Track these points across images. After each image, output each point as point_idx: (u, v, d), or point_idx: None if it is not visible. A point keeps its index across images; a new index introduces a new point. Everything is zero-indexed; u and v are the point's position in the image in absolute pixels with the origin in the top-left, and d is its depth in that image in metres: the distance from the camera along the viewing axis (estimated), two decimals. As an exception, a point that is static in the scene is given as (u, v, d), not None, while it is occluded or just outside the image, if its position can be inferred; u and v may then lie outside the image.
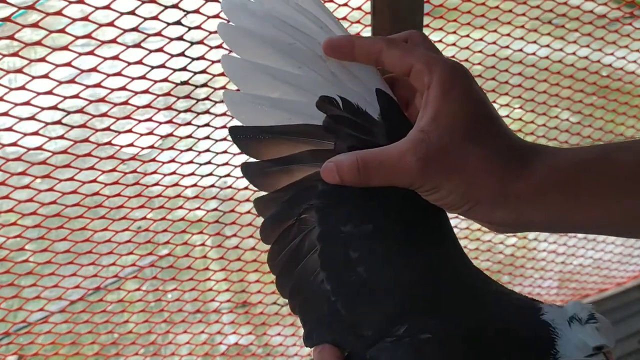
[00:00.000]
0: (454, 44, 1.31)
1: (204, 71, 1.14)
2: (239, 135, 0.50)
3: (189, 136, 1.16)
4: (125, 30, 0.98)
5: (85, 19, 0.92)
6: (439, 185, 0.43)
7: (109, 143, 1.09)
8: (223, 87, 1.14)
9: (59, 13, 0.90)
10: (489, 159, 0.43)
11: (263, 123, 0.47)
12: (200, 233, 1.33)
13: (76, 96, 1.00)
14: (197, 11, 1.01)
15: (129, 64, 1.01)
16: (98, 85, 1.00)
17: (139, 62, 1.01)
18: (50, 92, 0.97)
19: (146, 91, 1.06)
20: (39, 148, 1.01)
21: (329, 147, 0.45)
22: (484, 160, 0.43)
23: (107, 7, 0.94)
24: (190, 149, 1.17)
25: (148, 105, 1.10)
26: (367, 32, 0.99)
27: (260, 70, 0.46)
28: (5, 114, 0.96)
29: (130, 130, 1.11)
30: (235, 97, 0.48)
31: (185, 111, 1.15)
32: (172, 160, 1.16)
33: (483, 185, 0.42)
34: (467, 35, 1.30)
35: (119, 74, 1.02)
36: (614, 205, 0.42)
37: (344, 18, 1.19)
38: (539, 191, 0.42)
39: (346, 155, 0.44)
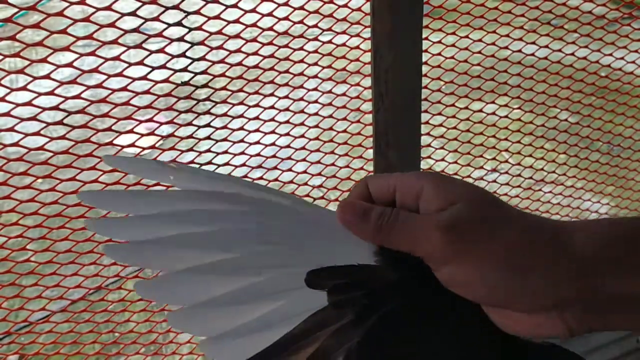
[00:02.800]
0: (453, 45, 1.31)
1: (204, 72, 1.14)
2: None
3: (190, 136, 1.16)
4: (126, 31, 0.99)
5: (86, 19, 0.93)
6: (467, 255, 0.37)
7: (110, 143, 1.10)
8: (224, 88, 1.15)
9: (60, 14, 0.91)
10: (526, 227, 0.38)
11: (254, 349, 0.38)
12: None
13: (77, 97, 1.00)
14: (197, 12, 1.01)
15: (130, 64, 1.02)
16: (99, 85, 1.01)
17: (140, 62, 1.02)
18: (51, 93, 0.97)
19: (147, 92, 1.07)
20: (41, 148, 1.02)
21: (346, 321, 0.38)
22: (521, 228, 0.38)
23: (108, 8, 0.94)
24: (191, 149, 1.17)
25: (149, 106, 1.10)
26: (367, 33, 1.00)
27: (218, 311, 0.38)
28: (7, 114, 0.96)
29: (131, 131, 1.11)
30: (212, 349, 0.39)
31: (186, 112, 1.16)
32: (173, 161, 1.16)
33: (529, 251, 0.37)
34: (467, 36, 1.31)
35: (120, 74, 1.02)
36: None
37: (344, 19, 1.20)
38: (598, 253, 0.38)
39: (378, 206, 0.40)
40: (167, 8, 1.03)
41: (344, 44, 1.23)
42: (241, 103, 1.19)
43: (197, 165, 1.18)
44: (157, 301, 0.40)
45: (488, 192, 0.41)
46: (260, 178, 1.28)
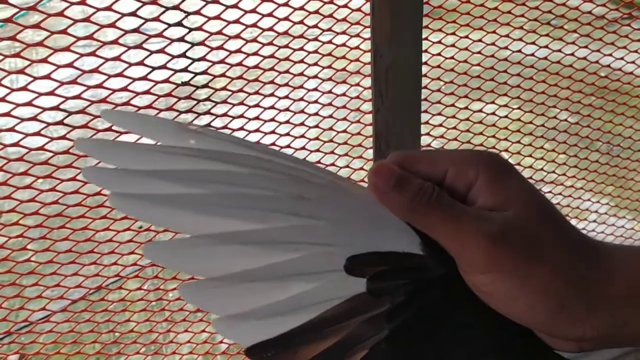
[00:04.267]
0: (453, 45, 1.31)
1: (205, 72, 1.15)
2: (265, 353, 0.35)
3: (190, 136, 1.16)
4: (126, 31, 0.99)
5: (86, 20, 0.93)
6: (513, 272, 0.34)
7: (111, 143, 1.10)
8: (224, 88, 1.15)
9: (60, 14, 0.91)
10: (573, 248, 0.36)
11: (277, 332, 0.35)
12: (201, 233, 1.33)
13: (78, 97, 1.01)
14: (198, 12, 1.01)
15: (131, 64, 1.02)
16: (99, 85, 1.01)
17: (141, 63, 1.02)
18: (52, 93, 0.98)
19: (147, 92, 1.07)
20: (41, 148, 1.02)
21: (382, 310, 0.36)
22: (568, 249, 0.35)
23: (109, 8, 0.95)
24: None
25: (149, 106, 1.11)
26: (367, 33, 1.00)
27: (242, 289, 0.34)
28: (7, 114, 0.96)
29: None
30: (229, 328, 0.35)
31: (187, 112, 1.16)
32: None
33: (571, 282, 0.35)
34: (466, 36, 1.31)
35: (120, 74, 1.02)
36: None
37: (344, 19, 1.20)
38: (632, 288, 0.35)
39: (418, 178, 0.36)
40: (167, 8, 1.03)
41: (344, 44, 1.23)
42: (241, 103, 1.20)
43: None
44: (175, 268, 0.34)
45: (544, 197, 0.37)
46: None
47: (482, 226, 0.34)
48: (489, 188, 0.35)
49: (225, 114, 1.24)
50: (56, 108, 0.99)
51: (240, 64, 1.13)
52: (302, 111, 1.27)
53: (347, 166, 1.36)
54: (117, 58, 1.01)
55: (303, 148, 1.28)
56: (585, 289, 0.35)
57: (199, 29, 1.05)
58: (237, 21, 1.07)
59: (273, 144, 1.24)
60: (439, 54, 1.29)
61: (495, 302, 0.35)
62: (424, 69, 1.08)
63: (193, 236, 0.33)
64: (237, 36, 1.10)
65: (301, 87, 1.24)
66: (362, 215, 0.35)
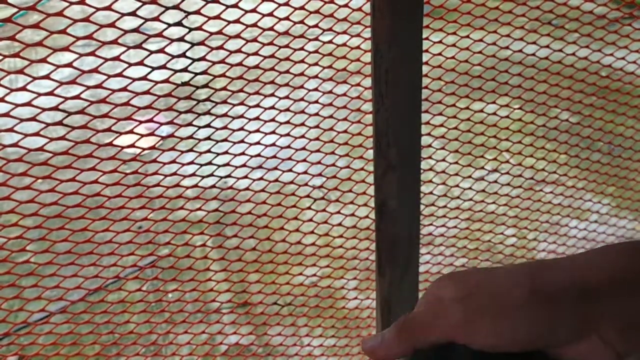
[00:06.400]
0: (454, 45, 1.31)
1: (204, 72, 1.14)
2: None
3: (190, 137, 1.16)
4: (126, 31, 0.98)
5: (86, 19, 0.93)
6: (487, 315, 0.39)
7: (110, 144, 1.10)
8: (224, 88, 1.14)
9: (59, 14, 0.90)
10: (528, 275, 0.41)
11: None
12: (201, 233, 1.33)
13: (77, 97, 1.00)
14: (197, 12, 1.01)
15: (130, 64, 1.01)
16: (99, 86, 1.00)
17: (140, 63, 1.02)
18: (51, 93, 0.97)
19: (147, 92, 1.07)
20: (40, 149, 1.01)
21: None
22: (518, 273, 0.41)
23: (108, 8, 0.94)
24: (191, 150, 1.17)
25: (149, 106, 1.10)
26: (367, 33, 1.00)
27: None
28: (7, 114, 0.96)
29: (131, 131, 1.11)
30: None
31: (186, 112, 1.16)
32: (173, 161, 1.16)
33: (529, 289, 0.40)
34: (467, 36, 1.30)
35: (120, 74, 1.02)
36: None
37: (345, 19, 1.19)
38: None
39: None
40: (167, 8, 1.03)
41: (344, 44, 1.23)
42: (241, 103, 1.19)
43: (198, 166, 1.18)
44: None
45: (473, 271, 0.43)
46: (261, 179, 1.28)
47: (444, 296, 0.41)
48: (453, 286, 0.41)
49: (225, 114, 1.23)
50: (55, 108, 0.99)
51: (240, 64, 1.13)
52: (302, 111, 1.26)
53: (348, 166, 1.36)
54: (116, 58, 1.01)
55: (303, 148, 1.27)
56: (544, 290, 0.40)
57: (199, 28, 1.04)
58: (237, 21, 1.07)
59: (273, 144, 1.23)
60: (439, 54, 1.28)
61: (504, 344, 0.40)
62: (425, 68, 1.07)
63: None
64: (237, 36, 1.10)
65: (301, 87, 1.24)
66: None
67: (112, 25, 0.97)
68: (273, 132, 1.23)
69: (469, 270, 0.42)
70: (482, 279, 0.41)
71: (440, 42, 1.28)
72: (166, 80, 1.08)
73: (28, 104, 0.94)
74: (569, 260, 0.42)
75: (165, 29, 1.01)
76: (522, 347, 0.40)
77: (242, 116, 1.20)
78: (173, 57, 1.04)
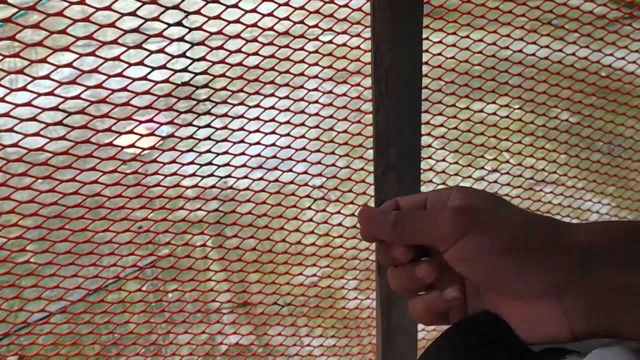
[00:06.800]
0: (454, 45, 1.31)
1: (204, 72, 1.14)
2: None
3: (190, 137, 1.16)
4: (126, 31, 0.98)
5: (86, 19, 0.93)
6: (473, 237, 0.40)
7: (110, 144, 1.10)
8: (224, 88, 1.14)
9: (59, 14, 0.90)
10: (533, 216, 0.42)
11: None
12: (201, 233, 1.33)
13: (77, 97, 1.00)
14: (197, 12, 1.01)
15: (130, 64, 1.01)
16: (99, 86, 1.00)
17: (140, 63, 1.02)
18: (51, 93, 0.97)
19: (147, 92, 1.06)
20: (40, 149, 1.01)
21: None
22: (528, 216, 0.42)
23: (108, 8, 0.94)
24: (191, 150, 1.17)
25: (149, 106, 1.10)
26: (367, 33, 1.00)
27: None
28: (7, 114, 0.96)
29: (131, 131, 1.11)
30: None
31: (186, 112, 1.16)
32: (173, 161, 1.16)
33: (532, 234, 0.41)
34: (467, 36, 1.30)
35: (120, 74, 1.02)
36: None
37: (345, 19, 1.19)
38: (596, 237, 0.40)
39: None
40: (167, 8, 1.03)
41: (344, 44, 1.23)
42: (241, 103, 1.19)
43: (198, 166, 1.18)
44: None
45: (502, 198, 0.44)
46: (261, 179, 1.28)
47: (446, 205, 0.42)
48: (460, 196, 0.43)
49: (225, 114, 1.23)
50: (55, 108, 0.99)
51: (240, 64, 1.13)
52: (302, 111, 1.26)
53: (348, 167, 1.36)
54: (116, 58, 1.01)
55: (303, 148, 1.27)
56: (546, 239, 0.40)
57: (199, 28, 1.04)
58: (237, 21, 1.07)
59: (273, 144, 1.23)
60: (439, 54, 1.28)
61: (467, 268, 0.40)
62: (425, 68, 1.07)
63: None
64: (237, 36, 1.10)
65: (301, 87, 1.24)
66: None
67: (112, 25, 0.97)
68: (273, 132, 1.23)
69: (482, 192, 0.44)
70: (491, 202, 0.42)
71: (440, 42, 1.28)
72: (166, 80, 1.08)
73: (28, 104, 0.94)
74: (580, 225, 0.42)
75: (165, 29, 1.01)
76: (486, 278, 0.40)
77: (242, 116, 1.20)
78: (173, 57, 1.04)
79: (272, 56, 1.15)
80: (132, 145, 1.10)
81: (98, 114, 1.07)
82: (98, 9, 0.93)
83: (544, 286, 0.39)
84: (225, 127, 1.18)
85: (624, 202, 1.80)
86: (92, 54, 0.97)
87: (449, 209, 0.41)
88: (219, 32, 1.08)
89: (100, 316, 1.31)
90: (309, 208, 1.42)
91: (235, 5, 1.06)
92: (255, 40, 1.12)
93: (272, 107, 1.21)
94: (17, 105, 0.95)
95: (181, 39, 1.04)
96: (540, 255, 0.39)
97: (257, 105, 1.20)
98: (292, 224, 1.41)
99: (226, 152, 1.20)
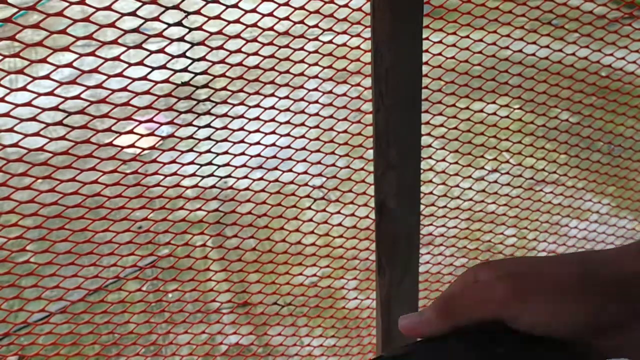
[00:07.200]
0: (454, 45, 1.31)
1: (204, 72, 1.14)
2: None
3: (190, 137, 1.16)
4: (126, 31, 0.98)
5: (86, 19, 0.93)
6: (534, 299, 0.39)
7: (110, 144, 1.10)
8: (224, 88, 1.14)
9: (59, 14, 0.90)
10: (577, 260, 0.40)
11: None
12: (201, 233, 1.33)
13: (77, 97, 1.00)
14: (197, 12, 1.01)
15: (130, 64, 1.01)
16: (99, 86, 1.00)
17: (140, 63, 1.02)
18: (51, 93, 0.97)
19: (147, 92, 1.06)
20: (40, 149, 1.01)
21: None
22: (570, 262, 0.40)
23: (108, 8, 0.94)
24: (191, 150, 1.17)
25: (149, 106, 1.10)
26: (367, 33, 1.00)
27: None
28: (7, 114, 0.96)
29: (131, 131, 1.11)
30: None
31: (186, 112, 1.16)
32: (173, 161, 1.16)
33: (585, 276, 0.39)
34: (467, 36, 1.30)
35: (120, 74, 1.02)
36: None
37: (345, 19, 1.19)
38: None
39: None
40: (167, 8, 1.03)
41: (344, 44, 1.23)
42: (241, 103, 1.19)
43: (198, 166, 1.18)
44: None
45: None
46: (261, 179, 1.28)
47: (491, 277, 0.40)
48: (487, 270, 0.41)
49: (225, 114, 1.23)
50: (55, 108, 0.99)
51: (240, 64, 1.13)
52: (302, 111, 1.26)
53: (348, 166, 1.36)
54: (116, 58, 1.01)
55: (303, 148, 1.27)
56: (598, 278, 0.39)
57: (199, 28, 1.04)
58: (237, 21, 1.07)
59: (273, 144, 1.23)
60: (439, 54, 1.28)
61: (548, 329, 0.39)
62: (425, 69, 1.07)
63: None
64: (237, 36, 1.10)
65: (301, 87, 1.24)
66: None
67: (112, 25, 0.97)
68: (273, 132, 1.23)
69: (505, 259, 0.42)
70: (523, 263, 0.41)
71: (440, 42, 1.28)
72: (166, 80, 1.08)
73: (28, 104, 0.94)
74: (618, 250, 0.41)
75: (165, 29, 1.01)
76: (569, 331, 0.39)
77: (242, 116, 1.20)
78: (173, 57, 1.04)
79: (272, 56, 1.15)
80: (132, 145, 1.10)
81: (98, 114, 1.07)
82: (98, 9, 0.93)
83: (617, 321, 0.39)
84: (225, 127, 1.18)
85: (624, 202, 1.80)
86: (92, 54, 0.97)
87: (494, 280, 0.39)
88: (219, 32, 1.08)
89: (100, 316, 1.31)
90: (309, 208, 1.42)
91: (235, 5, 1.06)
92: (255, 40, 1.12)
93: (272, 107, 1.21)
94: (17, 105, 0.95)
95: (181, 39, 1.04)
96: (589, 297, 0.39)
97: (257, 105, 1.20)
98: (292, 224, 1.41)
99: (226, 152, 1.20)
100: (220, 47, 1.10)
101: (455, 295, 0.41)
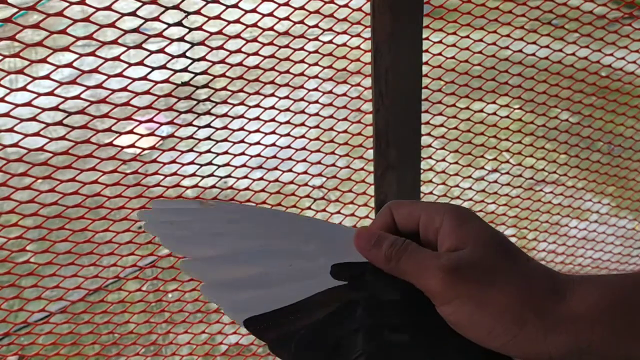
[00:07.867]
0: (454, 45, 1.31)
1: (204, 72, 1.14)
2: (259, 326, 0.44)
3: (190, 137, 1.16)
4: (126, 31, 0.98)
5: (86, 19, 0.93)
6: (469, 298, 0.39)
7: (110, 144, 1.10)
8: (224, 88, 1.14)
9: (59, 14, 0.90)
10: (528, 275, 0.40)
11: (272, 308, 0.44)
12: (201, 233, 1.32)
13: (77, 97, 1.00)
14: (197, 12, 1.01)
15: (130, 64, 1.01)
16: (99, 86, 1.00)
17: (140, 63, 1.02)
18: (51, 93, 0.97)
19: (147, 92, 1.07)
20: (40, 149, 1.01)
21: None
22: (523, 276, 0.40)
23: (108, 8, 0.94)
24: (191, 150, 1.17)
25: (149, 106, 1.10)
26: (367, 33, 1.00)
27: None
28: (7, 114, 0.96)
29: (131, 131, 1.11)
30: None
31: (186, 112, 1.16)
32: (173, 161, 1.16)
33: (527, 302, 0.39)
34: (467, 36, 1.30)
35: (120, 74, 1.02)
36: None
37: (345, 19, 1.19)
38: (591, 311, 0.38)
39: (391, 235, 0.44)
40: (167, 8, 1.03)
41: (344, 44, 1.23)
42: (241, 103, 1.19)
43: (198, 166, 1.18)
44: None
45: (503, 236, 0.42)
46: (261, 179, 1.28)
47: (438, 262, 0.40)
48: (452, 231, 0.42)
49: (225, 114, 1.23)
50: (55, 108, 0.99)
51: (240, 64, 1.13)
52: (302, 111, 1.26)
53: (348, 167, 1.36)
54: (116, 58, 1.01)
55: (303, 149, 1.27)
56: (543, 310, 0.38)
57: (199, 28, 1.04)
58: (237, 21, 1.07)
59: (273, 144, 1.23)
60: (439, 54, 1.28)
61: (463, 329, 0.40)
62: (425, 68, 1.07)
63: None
64: (237, 36, 1.10)
65: (301, 87, 1.24)
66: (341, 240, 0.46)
67: (112, 25, 0.97)
68: (273, 132, 1.23)
69: (475, 225, 0.42)
70: (485, 264, 0.41)
71: (440, 42, 1.28)
72: (166, 80, 1.08)
73: (28, 104, 0.94)
74: (580, 287, 0.40)
75: (165, 29, 1.01)
76: (473, 337, 0.40)
77: (242, 116, 1.20)
78: (173, 57, 1.04)
79: (272, 56, 1.15)
80: (132, 145, 1.10)
81: (98, 114, 1.07)
82: (98, 9, 0.93)
83: (537, 354, 0.39)
84: (225, 127, 1.18)
85: (624, 202, 1.80)
86: (92, 54, 0.97)
87: (438, 267, 0.40)
88: (219, 32, 1.08)
89: (100, 316, 1.31)
90: (309, 208, 1.42)
91: (235, 5, 1.07)
92: (255, 40, 1.12)
93: (272, 107, 1.21)
94: (17, 105, 0.95)
95: (181, 39, 1.04)
96: (535, 323, 0.38)
97: (257, 105, 1.20)
98: (292, 224, 1.41)
99: (226, 152, 1.20)
100: (220, 47, 1.10)
101: (408, 253, 0.42)
